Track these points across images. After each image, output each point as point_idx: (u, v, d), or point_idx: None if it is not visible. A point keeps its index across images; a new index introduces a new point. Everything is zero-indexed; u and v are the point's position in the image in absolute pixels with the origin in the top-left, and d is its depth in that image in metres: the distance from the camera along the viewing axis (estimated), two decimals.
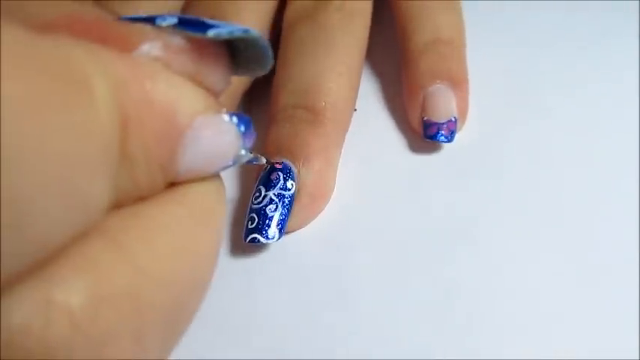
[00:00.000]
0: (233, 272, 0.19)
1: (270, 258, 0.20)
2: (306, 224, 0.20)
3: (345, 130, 0.22)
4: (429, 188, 0.21)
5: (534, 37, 0.26)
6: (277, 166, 0.20)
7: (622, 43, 0.26)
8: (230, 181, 0.22)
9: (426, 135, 0.22)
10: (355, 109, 0.23)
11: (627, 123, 0.23)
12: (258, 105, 0.24)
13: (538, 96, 0.24)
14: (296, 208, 0.20)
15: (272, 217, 0.19)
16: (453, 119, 0.22)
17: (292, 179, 0.20)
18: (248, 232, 0.19)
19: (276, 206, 0.19)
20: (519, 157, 0.22)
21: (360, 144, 0.23)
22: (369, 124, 0.23)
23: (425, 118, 0.22)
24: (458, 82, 0.22)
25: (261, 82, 0.24)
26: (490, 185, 0.21)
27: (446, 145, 0.22)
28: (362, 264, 0.19)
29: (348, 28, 0.23)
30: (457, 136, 0.22)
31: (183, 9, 0.24)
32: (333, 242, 0.20)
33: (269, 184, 0.19)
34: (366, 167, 0.22)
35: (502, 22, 0.27)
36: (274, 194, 0.19)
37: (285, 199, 0.19)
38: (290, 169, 0.20)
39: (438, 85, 0.22)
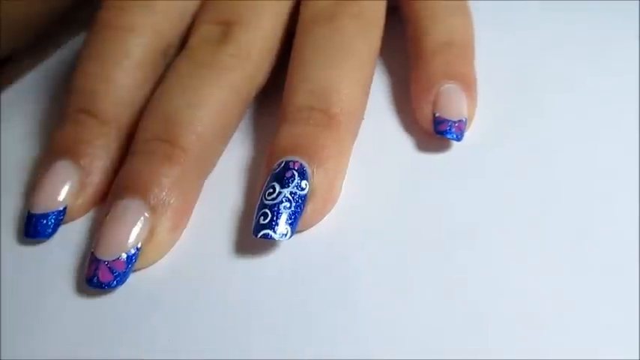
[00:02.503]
0: (233, 272, 0.19)
1: (270, 258, 0.20)
2: (312, 226, 0.20)
3: (355, 137, 0.22)
4: (429, 188, 0.21)
5: (534, 37, 0.26)
6: (293, 165, 0.20)
7: (622, 43, 0.26)
8: (230, 179, 0.22)
9: (437, 130, 0.22)
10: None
11: (627, 123, 0.23)
12: (262, 104, 0.24)
13: (537, 96, 0.24)
14: (310, 208, 0.20)
15: (285, 214, 0.19)
16: (464, 120, 0.22)
17: (307, 180, 0.20)
18: (260, 227, 0.19)
19: (290, 204, 0.19)
20: (520, 158, 0.22)
21: (360, 144, 0.23)
22: (368, 124, 0.23)
23: (437, 115, 0.22)
24: (469, 85, 0.23)
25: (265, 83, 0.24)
26: (491, 185, 0.21)
27: (445, 146, 0.22)
28: (362, 264, 0.19)
29: (366, 37, 0.23)
30: None
31: (200, 8, 0.24)
32: (333, 242, 0.20)
33: (284, 182, 0.19)
34: (365, 168, 0.22)
35: (502, 22, 0.27)
36: (289, 192, 0.19)
37: (299, 199, 0.19)
38: (305, 170, 0.20)
39: (452, 85, 0.22)
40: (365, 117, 0.23)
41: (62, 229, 0.21)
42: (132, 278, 0.19)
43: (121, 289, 0.19)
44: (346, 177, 0.21)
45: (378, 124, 0.23)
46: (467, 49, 0.24)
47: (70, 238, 0.21)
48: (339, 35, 0.22)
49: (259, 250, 0.20)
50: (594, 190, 0.21)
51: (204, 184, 0.22)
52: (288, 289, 0.19)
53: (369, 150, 0.23)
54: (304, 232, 0.20)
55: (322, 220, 0.20)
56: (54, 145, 0.22)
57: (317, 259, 0.20)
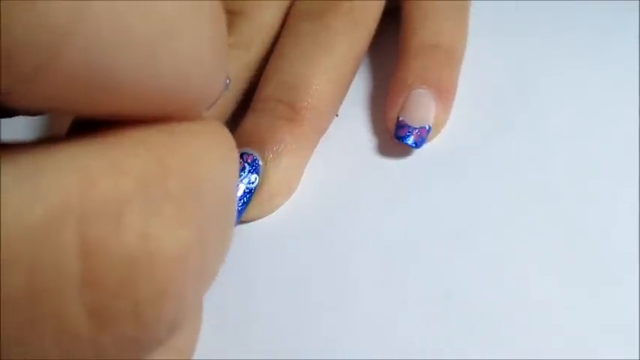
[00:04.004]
0: (233, 272, 0.19)
1: (270, 258, 0.20)
2: (261, 218, 0.20)
3: (321, 134, 0.22)
4: (430, 189, 0.21)
5: (534, 37, 0.26)
6: (247, 158, 0.20)
7: (622, 43, 0.26)
8: None
9: (396, 135, 0.22)
10: (337, 115, 0.23)
11: (627, 123, 0.23)
12: None
13: (537, 96, 0.24)
14: (254, 201, 0.20)
15: None
16: (427, 127, 0.22)
17: (257, 173, 0.20)
18: None
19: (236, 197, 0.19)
20: (518, 158, 0.22)
21: (359, 145, 0.23)
22: (368, 125, 0.23)
23: (400, 118, 0.22)
24: (444, 93, 0.22)
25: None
26: (490, 186, 0.21)
27: (445, 147, 0.22)
28: (362, 264, 0.19)
29: (351, 36, 0.23)
30: (457, 138, 0.22)
31: None
32: (333, 242, 0.20)
33: None
34: (365, 168, 0.22)
35: (501, 21, 0.27)
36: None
37: (247, 191, 0.20)
38: (257, 163, 0.20)
39: (424, 90, 0.22)
40: (363, 117, 0.23)
41: None
42: None
43: None
44: (345, 177, 0.21)
45: (377, 124, 0.23)
46: (452, 54, 0.23)
47: None
48: (323, 31, 0.22)
49: (256, 251, 0.20)
50: (594, 190, 0.21)
51: None
52: (286, 290, 0.19)
53: (368, 150, 0.23)
54: (308, 230, 0.20)
55: (322, 221, 0.20)
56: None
57: (316, 258, 0.20)
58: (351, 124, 0.23)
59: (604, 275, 0.18)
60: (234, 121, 0.24)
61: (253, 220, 0.20)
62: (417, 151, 0.22)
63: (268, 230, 0.20)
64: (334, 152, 0.22)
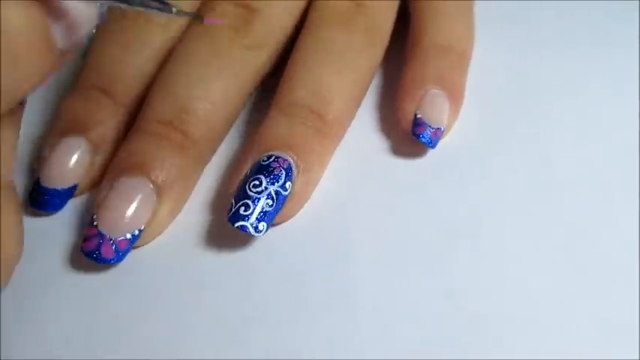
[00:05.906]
0: (233, 272, 0.19)
1: (270, 258, 0.20)
2: (283, 223, 0.21)
3: (337, 145, 0.23)
4: (431, 188, 0.21)
5: (534, 38, 0.26)
6: (283, 163, 0.20)
7: (622, 43, 0.26)
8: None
9: (414, 132, 0.22)
10: None
11: (627, 124, 0.23)
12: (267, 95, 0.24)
13: (537, 97, 0.24)
14: (285, 207, 0.20)
15: (265, 211, 0.19)
16: (442, 128, 0.22)
17: (291, 181, 0.20)
18: (239, 217, 0.19)
19: (272, 202, 0.19)
20: (519, 158, 0.22)
21: (359, 145, 0.23)
22: (371, 125, 0.24)
23: (418, 116, 0.22)
24: (456, 95, 0.23)
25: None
26: (491, 186, 0.21)
27: (446, 147, 0.22)
28: (362, 264, 0.19)
29: (371, 53, 0.23)
30: (457, 138, 0.22)
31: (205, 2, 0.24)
32: (334, 242, 0.20)
33: (271, 177, 0.19)
34: (366, 168, 0.22)
35: (501, 22, 0.27)
36: (274, 190, 0.19)
37: (281, 199, 0.19)
38: (292, 170, 0.20)
39: (439, 91, 0.22)
40: (367, 118, 0.23)
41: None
42: (131, 272, 0.19)
43: (121, 279, 0.19)
44: (347, 177, 0.22)
45: (380, 125, 0.24)
46: (463, 58, 0.24)
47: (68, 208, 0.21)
48: (347, 45, 0.22)
49: (256, 251, 0.20)
50: (594, 190, 0.21)
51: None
52: (286, 290, 0.19)
53: (370, 150, 0.23)
54: (309, 230, 0.20)
55: (322, 220, 0.21)
56: (65, 118, 0.22)
57: (316, 258, 0.20)
58: (353, 124, 0.23)
59: (604, 275, 0.18)
60: (243, 120, 0.24)
61: (277, 224, 0.20)
62: (415, 152, 0.22)
63: (269, 230, 0.20)
64: (335, 152, 0.22)
